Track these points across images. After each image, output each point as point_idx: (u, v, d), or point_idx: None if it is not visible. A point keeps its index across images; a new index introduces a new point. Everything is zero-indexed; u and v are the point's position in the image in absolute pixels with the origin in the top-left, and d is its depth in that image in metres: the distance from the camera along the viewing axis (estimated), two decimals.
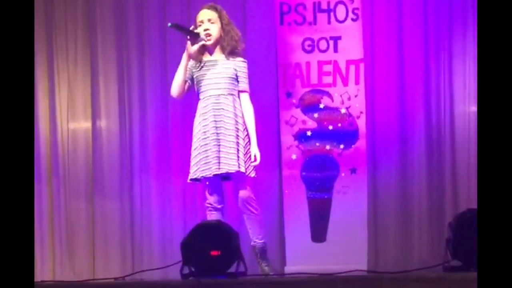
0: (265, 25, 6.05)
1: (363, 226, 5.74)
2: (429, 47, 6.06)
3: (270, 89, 5.98)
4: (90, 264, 6.17)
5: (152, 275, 5.20)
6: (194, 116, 5.03)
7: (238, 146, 4.85)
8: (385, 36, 6.08)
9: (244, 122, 4.92)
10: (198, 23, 4.95)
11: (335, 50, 5.80)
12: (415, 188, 6.02)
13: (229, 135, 4.85)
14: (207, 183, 4.92)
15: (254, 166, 4.91)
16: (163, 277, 5.37)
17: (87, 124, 6.30)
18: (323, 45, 5.82)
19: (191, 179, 4.97)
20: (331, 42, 5.81)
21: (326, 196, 5.79)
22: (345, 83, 5.79)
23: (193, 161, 4.93)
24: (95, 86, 6.29)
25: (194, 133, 4.95)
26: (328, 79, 5.81)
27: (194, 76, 4.99)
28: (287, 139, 5.84)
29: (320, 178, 5.80)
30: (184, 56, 4.95)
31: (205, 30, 4.92)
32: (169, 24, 4.94)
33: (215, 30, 4.94)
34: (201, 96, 4.96)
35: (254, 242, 4.94)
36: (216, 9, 4.98)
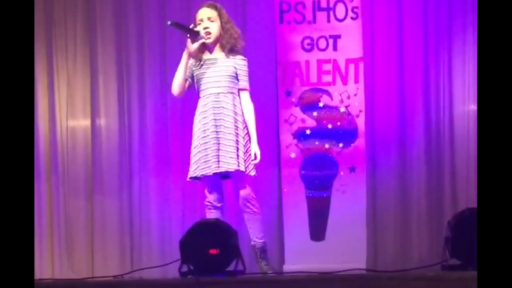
0: (264, 24, 6.05)
1: (362, 225, 5.75)
2: (428, 46, 6.06)
3: (269, 88, 5.98)
4: (89, 262, 6.17)
5: (151, 273, 5.20)
6: (193, 115, 5.02)
7: (237, 144, 4.85)
8: (384, 35, 6.08)
9: (244, 120, 4.92)
10: (198, 22, 4.95)
11: (335, 48, 5.80)
12: (414, 187, 6.02)
13: (228, 133, 4.85)
14: (208, 181, 4.91)
15: (255, 165, 4.91)
16: (162, 275, 5.37)
17: (86, 122, 6.30)
18: (322, 43, 5.82)
19: (190, 178, 4.96)
20: (331, 41, 5.81)
21: (325, 195, 5.79)
22: (345, 82, 5.79)
23: (192, 160, 4.92)
24: (94, 84, 6.28)
25: (194, 131, 4.95)
26: (327, 78, 5.81)
27: (194, 75, 4.99)
28: (286, 138, 5.84)
29: (319, 177, 5.80)
30: (184, 55, 4.96)
31: (205, 28, 4.92)
32: (169, 22, 4.94)
33: (215, 28, 4.94)
34: (201, 95, 4.96)
35: (254, 241, 4.93)
36: (215, 7, 4.98)
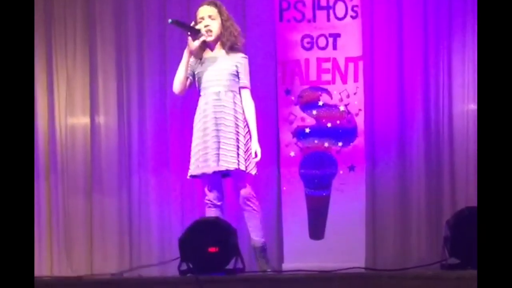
0: (264, 22, 6.04)
1: (361, 224, 5.75)
2: (428, 45, 6.06)
3: (269, 86, 5.98)
4: (88, 260, 6.16)
5: (150, 271, 5.20)
6: (192, 113, 5.02)
7: (238, 143, 4.84)
8: (384, 34, 6.08)
9: (244, 118, 4.92)
10: (199, 20, 4.95)
11: (334, 47, 5.80)
12: (413, 186, 6.02)
13: (229, 132, 4.85)
14: (209, 179, 4.91)
15: (256, 163, 4.90)
16: (161, 273, 5.37)
17: (86, 120, 6.30)
18: (322, 42, 5.82)
19: (190, 176, 4.96)
20: (330, 40, 5.80)
21: (324, 194, 5.79)
22: (344, 80, 5.79)
23: (193, 158, 4.92)
24: (94, 82, 6.28)
25: (194, 129, 4.95)
26: (327, 77, 5.81)
27: (195, 73, 4.98)
28: (286, 136, 5.83)
29: (318, 176, 5.79)
30: (185, 53, 4.95)
31: (206, 26, 4.92)
32: (170, 20, 4.94)
33: (215, 26, 4.94)
34: (201, 93, 4.96)
35: (254, 240, 4.93)
36: (215, 5, 4.98)
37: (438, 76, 6.06)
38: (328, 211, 5.77)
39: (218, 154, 4.82)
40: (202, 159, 4.86)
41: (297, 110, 5.82)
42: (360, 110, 5.79)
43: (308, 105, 5.82)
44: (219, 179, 4.95)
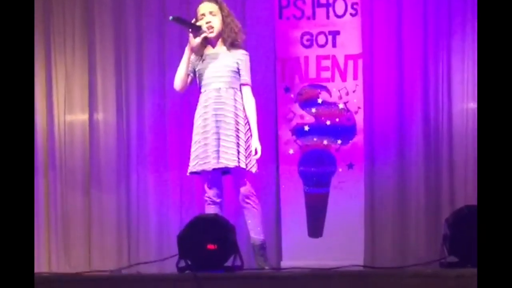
0: (263, 19, 6.03)
1: (360, 222, 5.75)
2: (428, 43, 6.06)
3: (268, 84, 5.97)
4: (86, 256, 6.16)
5: (148, 268, 5.19)
6: (191, 110, 5.02)
7: (238, 140, 4.84)
8: (384, 31, 6.07)
9: (245, 115, 4.91)
10: (200, 16, 4.94)
11: (334, 45, 5.80)
12: (412, 184, 6.02)
13: (229, 129, 4.84)
14: (209, 177, 4.90)
15: (256, 160, 4.89)
16: (159, 270, 5.36)
17: (84, 116, 6.29)
18: (321, 39, 5.81)
19: (190, 172, 4.95)
20: (330, 37, 5.80)
21: (323, 192, 5.79)
22: (344, 78, 5.79)
23: (193, 154, 4.91)
24: (92, 79, 6.27)
25: (194, 126, 4.94)
26: (326, 74, 5.80)
27: (196, 69, 4.97)
28: (285, 134, 5.83)
29: (317, 173, 5.79)
30: (187, 50, 4.94)
31: (207, 22, 4.91)
32: (171, 17, 4.93)
33: (217, 22, 4.93)
34: (202, 89, 4.95)
35: (253, 238, 4.92)
36: (216, 1, 4.98)
37: (437, 74, 6.06)
38: (327, 209, 5.77)
39: (218, 151, 4.81)
40: (202, 156, 4.85)
41: (296, 107, 5.82)
42: (359, 108, 5.79)
43: (307, 103, 5.82)
44: (219, 176, 4.94)
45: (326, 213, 5.77)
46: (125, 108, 6.26)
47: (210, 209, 4.90)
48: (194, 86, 5.05)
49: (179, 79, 4.98)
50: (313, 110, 5.81)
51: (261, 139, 5.01)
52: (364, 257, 5.64)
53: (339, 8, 5.80)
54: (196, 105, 5.04)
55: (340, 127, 5.79)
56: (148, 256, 5.91)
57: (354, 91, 5.78)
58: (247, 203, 4.89)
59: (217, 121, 4.84)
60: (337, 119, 5.79)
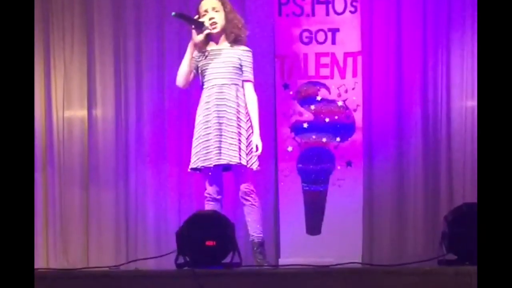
0: (263, 16, 6.02)
1: (358, 219, 5.75)
2: (427, 41, 6.06)
3: (267, 81, 5.96)
4: (84, 253, 6.16)
5: (146, 264, 5.19)
6: (190, 106, 5.02)
7: (240, 137, 4.82)
8: (383, 29, 6.07)
9: (247, 112, 4.90)
10: (203, 13, 4.92)
11: (333, 42, 5.80)
12: (410, 182, 6.03)
13: (231, 125, 4.82)
14: (210, 173, 4.90)
15: (257, 158, 4.88)
16: (158, 266, 5.35)
17: (83, 112, 6.28)
18: (321, 37, 5.81)
19: (191, 169, 4.94)
20: (329, 34, 5.80)
21: (321, 189, 5.79)
22: (343, 75, 5.79)
23: (194, 151, 4.89)
24: (91, 74, 6.27)
25: (196, 122, 4.92)
26: (325, 71, 5.80)
27: (199, 65, 4.95)
28: (284, 131, 5.83)
29: (316, 171, 5.80)
30: (189, 47, 4.92)
31: (211, 19, 4.89)
32: (173, 13, 4.92)
33: (220, 18, 4.91)
34: (204, 85, 4.93)
35: (252, 236, 4.91)
36: None
37: (436, 71, 6.06)
38: (325, 207, 5.78)
39: (220, 147, 4.80)
40: (203, 152, 4.83)
41: (295, 104, 5.82)
42: (358, 105, 5.79)
43: (306, 100, 5.82)
44: (220, 173, 4.93)
45: (324, 210, 5.77)
46: (124, 104, 6.25)
47: (210, 206, 4.88)
48: (193, 82, 5.04)
49: (182, 76, 4.96)
50: (312, 107, 5.81)
51: (260, 136, 5.00)
52: (362, 254, 5.65)
53: (339, 5, 5.80)
54: (195, 101, 5.03)
55: (339, 125, 5.79)
56: (146, 252, 5.91)
57: (353, 89, 5.78)
58: (247, 200, 4.88)
59: (219, 117, 4.83)
60: (336, 117, 5.79)
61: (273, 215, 5.97)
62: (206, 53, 4.93)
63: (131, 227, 6.18)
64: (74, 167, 6.25)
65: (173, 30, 6.02)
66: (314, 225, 5.77)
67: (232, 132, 4.82)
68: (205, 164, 4.83)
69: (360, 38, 5.81)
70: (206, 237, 4.34)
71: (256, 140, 4.88)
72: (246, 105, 4.90)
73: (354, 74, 5.78)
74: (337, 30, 5.79)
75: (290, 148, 5.82)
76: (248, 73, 4.94)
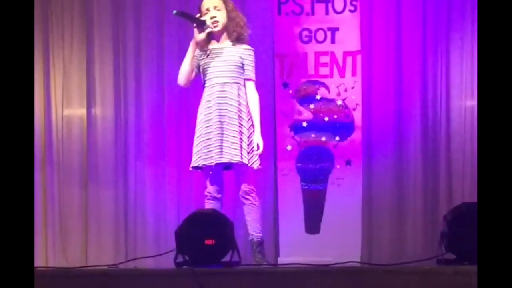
0: (262, 15, 6.01)
1: (357, 218, 5.75)
2: (427, 40, 6.06)
3: (266, 80, 5.95)
4: (83, 251, 6.15)
5: (145, 263, 5.19)
6: (190, 104, 5.02)
7: (241, 135, 4.82)
8: (383, 28, 6.07)
9: (248, 111, 4.89)
10: (204, 11, 4.90)
11: (333, 41, 5.79)
12: (410, 181, 6.02)
13: (232, 124, 4.81)
14: (211, 172, 4.89)
15: (259, 157, 4.87)
16: (157, 265, 5.35)
17: (82, 111, 6.28)
18: (320, 36, 5.81)
19: (192, 167, 4.93)
20: (329, 33, 5.80)
21: (320, 188, 5.79)
22: (342, 74, 5.79)
23: (195, 149, 4.89)
24: (90, 73, 6.26)
25: (197, 120, 4.91)
26: (325, 70, 5.80)
27: (200, 64, 4.94)
28: (283, 130, 5.83)
29: (315, 170, 5.79)
30: (191, 45, 4.91)
31: (212, 17, 4.88)
32: (175, 12, 4.91)
33: (221, 16, 4.90)
34: (206, 84, 4.92)
35: (252, 235, 4.90)
36: None
37: (436, 71, 6.06)
38: (325, 206, 5.77)
39: (222, 146, 4.79)
40: (205, 151, 4.82)
41: (294, 103, 5.82)
42: (357, 104, 5.79)
43: (305, 99, 5.82)
44: (221, 172, 4.92)
45: (323, 209, 5.77)
46: (123, 102, 6.24)
47: (210, 205, 4.87)
48: (192, 81, 5.03)
49: (184, 75, 4.95)
50: (312, 106, 5.81)
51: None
52: (361, 253, 5.65)
53: (338, 4, 5.80)
54: (195, 100, 5.02)
55: (338, 124, 5.79)
56: (145, 251, 5.90)
57: (352, 88, 5.78)
58: (247, 199, 4.87)
59: (220, 116, 4.82)
60: (335, 116, 5.78)
61: (272, 214, 5.96)
62: (208, 52, 4.92)
63: (130, 225, 6.17)
64: (73, 165, 6.24)
65: (173, 29, 6.02)
66: (313, 224, 5.77)
67: (234, 130, 4.81)
68: (207, 162, 4.82)
69: (360, 37, 5.81)
70: (205, 236, 4.34)
71: (257, 139, 4.88)
72: (247, 103, 4.89)
73: (354, 73, 5.78)
74: (337, 29, 5.79)
75: (289, 147, 5.82)
76: (250, 72, 4.93)
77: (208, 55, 4.91)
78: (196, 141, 4.89)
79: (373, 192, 6.03)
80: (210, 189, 4.91)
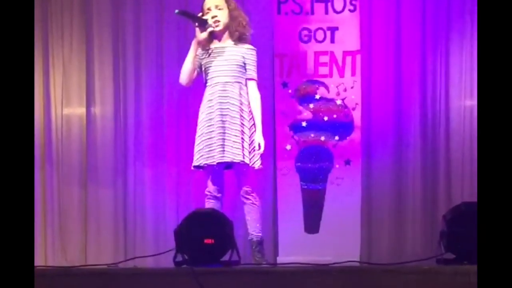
0: (262, 15, 6.01)
1: (357, 218, 5.75)
2: (426, 39, 6.06)
3: (266, 79, 5.94)
4: (83, 251, 6.15)
5: (145, 262, 5.19)
6: (189, 104, 5.01)
7: (243, 135, 4.81)
8: (382, 27, 6.07)
9: (250, 110, 4.88)
10: (206, 11, 4.90)
11: (332, 40, 5.80)
12: (409, 181, 6.03)
13: (234, 123, 4.81)
14: (213, 171, 4.89)
15: (260, 156, 4.87)
16: (156, 264, 5.36)
17: (82, 110, 6.28)
18: (320, 35, 5.81)
19: (194, 166, 4.92)
20: (328, 33, 5.80)
21: (320, 187, 5.79)
22: (342, 74, 5.79)
23: (196, 148, 4.88)
24: (90, 72, 6.26)
25: (199, 120, 4.90)
26: (324, 70, 5.81)
27: (202, 63, 4.94)
28: (282, 130, 5.83)
29: (314, 169, 5.80)
30: (193, 45, 4.90)
31: (214, 17, 4.88)
32: (176, 11, 4.90)
33: (223, 16, 4.89)
34: (208, 83, 4.92)
35: (251, 235, 4.90)
36: None
37: (435, 70, 6.06)
38: (324, 205, 5.78)
39: (223, 145, 4.79)
40: (206, 150, 4.82)
41: (294, 103, 5.82)
42: (357, 104, 5.79)
43: (305, 99, 5.82)
44: (222, 171, 4.92)
45: (323, 209, 5.78)
46: (123, 102, 6.24)
47: (210, 204, 4.86)
48: (198, 80, 5.03)
49: (185, 74, 4.94)
50: (311, 106, 5.81)
51: None
52: (360, 253, 5.65)
53: (338, 3, 5.81)
54: (195, 100, 5.02)
55: (338, 123, 5.79)
56: (144, 250, 5.89)
57: (352, 87, 5.79)
58: (248, 199, 4.87)
59: (222, 115, 4.82)
60: (334, 115, 5.79)
61: (271, 213, 5.97)
62: (210, 51, 4.92)
63: (129, 225, 6.17)
64: (72, 165, 6.24)
65: (172, 29, 6.01)
66: (312, 223, 5.77)
67: (235, 130, 4.81)
68: (208, 161, 4.82)
69: (359, 36, 5.82)
70: (205, 235, 4.34)
71: (259, 138, 4.87)
72: (249, 103, 4.89)
73: (353, 73, 5.78)
74: (336, 28, 5.79)
75: (288, 147, 5.82)
76: (252, 72, 4.92)
77: (210, 54, 4.91)
78: (197, 140, 4.88)
79: (373, 192, 6.03)
80: (211, 188, 4.90)
